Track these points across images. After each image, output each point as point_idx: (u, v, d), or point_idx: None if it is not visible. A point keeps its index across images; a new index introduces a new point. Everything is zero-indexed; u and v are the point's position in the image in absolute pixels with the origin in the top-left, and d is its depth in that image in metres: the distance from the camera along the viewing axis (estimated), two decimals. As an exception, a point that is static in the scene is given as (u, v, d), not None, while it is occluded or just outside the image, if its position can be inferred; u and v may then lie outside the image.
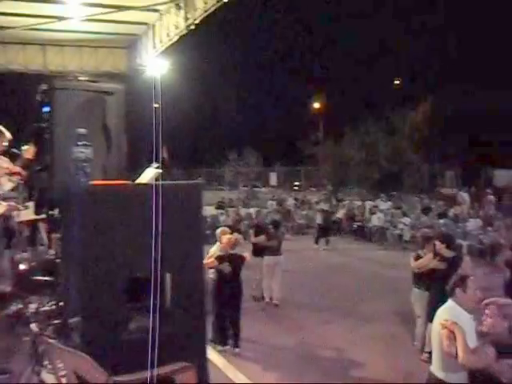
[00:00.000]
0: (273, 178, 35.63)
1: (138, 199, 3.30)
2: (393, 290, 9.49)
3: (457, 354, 3.16)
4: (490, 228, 13.43)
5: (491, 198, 17.28)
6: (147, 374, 3.04)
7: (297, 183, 34.91)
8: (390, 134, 28.01)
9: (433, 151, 27.86)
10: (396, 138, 27.75)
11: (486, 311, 3.39)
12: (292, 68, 47.50)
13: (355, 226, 16.79)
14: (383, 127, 28.27)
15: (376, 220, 15.89)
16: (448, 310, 3.60)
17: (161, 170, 3.95)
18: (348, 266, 11.96)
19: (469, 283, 3.60)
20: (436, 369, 3.55)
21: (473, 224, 13.97)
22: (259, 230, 9.26)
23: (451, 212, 16.04)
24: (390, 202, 18.27)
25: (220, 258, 6.40)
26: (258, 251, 8.80)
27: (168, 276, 3.18)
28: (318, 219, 15.26)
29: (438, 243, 6.04)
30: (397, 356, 6.23)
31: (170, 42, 9.91)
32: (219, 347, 6.23)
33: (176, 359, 3.06)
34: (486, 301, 3.50)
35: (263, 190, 30.84)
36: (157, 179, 3.87)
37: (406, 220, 15.58)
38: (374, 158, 27.10)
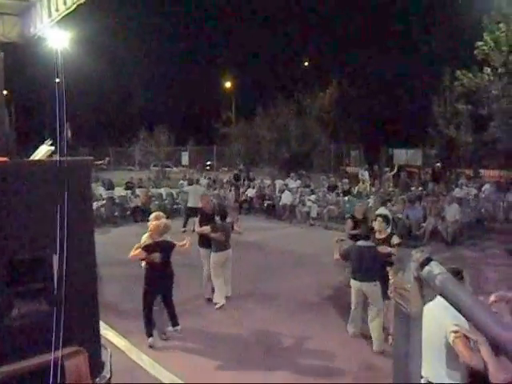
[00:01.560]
0: (184, 158, 35.19)
1: (19, 177, 3.03)
2: (301, 264, 9.83)
3: (485, 368, 2.80)
4: (389, 204, 14.27)
5: (390, 175, 18.41)
6: (35, 360, 2.86)
7: (209, 163, 34.79)
8: (300, 115, 28.77)
9: (339, 132, 29.09)
10: (305, 119, 28.55)
11: (494, 309, 3.02)
12: (203, 45, 46.82)
13: (266, 204, 17.05)
14: (293, 108, 28.95)
15: (286, 198, 16.25)
16: (449, 311, 2.92)
17: (53, 148, 3.67)
18: (259, 244, 12.12)
19: (465, 276, 3.36)
20: (433, 375, 3.11)
21: (373, 200, 14.73)
22: (205, 218, 7.90)
23: (355, 189, 16.87)
24: (299, 181, 18.75)
25: (148, 248, 5.94)
26: (205, 242, 7.65)
27: (55, 258, 2.97)
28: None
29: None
30: (327, 331, 6.43)
31: (68, 11, 9.19)
32: (149, 340, 5.87)
33: (66, 344, 2.88)
34: (494, 297, 3.14)
35: (175, 169, 30.38)
36: (50, 156, 3.60)
37: (314, 198, 16.11)
38: (284, 138, 27.71)
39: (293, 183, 18.23)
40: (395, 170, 19.53)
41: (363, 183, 17.83)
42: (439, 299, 3.13)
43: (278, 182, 18.54)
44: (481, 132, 19.54)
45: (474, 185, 17.07)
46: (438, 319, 3.18)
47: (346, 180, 17.62)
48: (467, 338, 2.97)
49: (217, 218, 7.60)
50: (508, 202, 14.86)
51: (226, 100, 37.52)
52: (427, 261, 1.29)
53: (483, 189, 16.39)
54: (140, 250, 5.93)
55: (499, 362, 2.74)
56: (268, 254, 11.11)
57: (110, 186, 17.57)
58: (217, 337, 6.16)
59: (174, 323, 6.25)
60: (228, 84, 39.79)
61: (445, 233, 12.19)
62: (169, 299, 6.20)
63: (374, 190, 16.79)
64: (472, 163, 23.03)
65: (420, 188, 16.51)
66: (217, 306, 7.24)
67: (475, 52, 16.34)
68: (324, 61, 36.91)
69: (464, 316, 1.20)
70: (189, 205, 14.09)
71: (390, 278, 5.21)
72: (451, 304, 1.26)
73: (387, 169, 19.65)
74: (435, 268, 1.28)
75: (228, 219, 7.77)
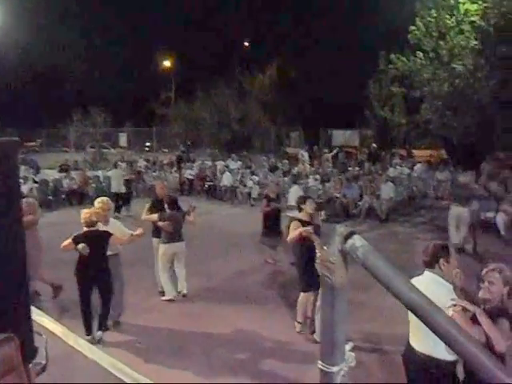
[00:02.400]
0: (122, 139, 34.21)
1: None
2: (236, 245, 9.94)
3: (487, 340, 2.86)
4: (327, 184, 14.68)
5: (328, 156, 18.90)
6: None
7: (148, 144, 34.05)
8: (241, 96, 28.70)
9: (279, 113, 29.32)
10: (246, 100, 28.53)
11: (490, 278, 3.16)
12: (142, 23, 45.30)
13: (207, 185, 17.02)
14: (234, 90, 28.81)
15: (226, 179, 16.30)
16: (443, 287, 3.29)
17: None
18: (203, 226, 12.08)
19: (451, 251, 3.44)
20: (430, 350, 3.23)
21: (312, 180, 15.11)
22: (156, 205, 7.13)
23: (295, 170, 17.18)
24: (240, 162, 18.84)
25: (76, 239, 5.49)
26: (158, 231, 7.04)
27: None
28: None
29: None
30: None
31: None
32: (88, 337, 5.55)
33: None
34: (491, 266, 3.24)
35: (113, 151, 29.46)
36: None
37: (255, 178, 16.26)
38: (225, 119, 27.58)
39: (234, 164, 18.30)
40: (334, 152, 20.06)
41: (303, 164, 18.20)
42: (428, 273, 3.42)
43: (219, 163, 18.54)
44: (413, 114, 20.38)
45: (407, 164, 17.88)
46: (433, 294, 3.15)
47: (287, 161, 17.91)
48: (465, 311, 3.01)
49: (165, 207, 6.94)
50: (438, 180, 15.72)
51: (165, 80, 36.69)
52: (350, 234, 1.36)
53: (415, 168, 17.23)
54: (70, 240, 5.53)
55: (499, 331, 2.86)
56: (215, 235, 11.12)
57: (36, 168, 16.86)
58: (161, 332, 6.08)
59: (100, 327, 5.71)
60: (167, 63, 38.87)
61: (379, 210, 12.73)
62: (105, 298, 5.70)
63: (313, 170, 17.16)
64: (405, 144, 24.06)
65: (357, 168, 17.09)
66: (163, 298, 6.91)
67: (408, 36, 16.92)
68: (264, 42, 36.87)
69: (383, 284, 1.28)
70: (112, 190, 13.74)
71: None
72: (371, 274, 1.34)
73: (326, 150, 20.14)
74: (357, 241, 1.35)
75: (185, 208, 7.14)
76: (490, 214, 10.80)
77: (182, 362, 5.19)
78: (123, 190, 13.72)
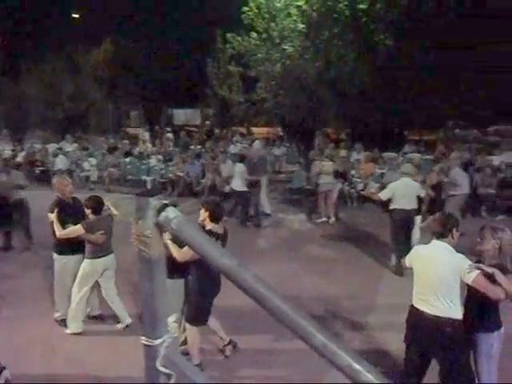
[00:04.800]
0: None
1: None
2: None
3: (506, 295, 3.34)
4: (169, 163, 14.59)
5: (170, 135, 18.74)
6: None
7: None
8: (73, 73, 26.64)
9: (117, 91, 28.04)
10: (79, 77, 26.59)
11: (485, 233, 3.64)
12: None
13: (38, 170, 15.57)
14: (65, 65, 26.60)
15: (61, 163, 15.06)
16: (455, 254, 3.64)
17: None
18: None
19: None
20: (444, 311, 3.55)
21: (154, 160, 14.88)
22: (67, 212, 5.50)
23: (136, 150, 16.70)
24: (75, 144, 17.61)
25: None
26: (65, 245, 5.41)
27: None
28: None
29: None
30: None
31: None
32: None
33: None
34: (489, 224, 3.82)
35: None
36: None
37: (93, 161, 15.38)
38: (56, 97, 25.37)
39: (68, 146, 17.05)
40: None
41: (144, 144, 17.77)
42: (438, 243, 3.72)
43: (52, 146, 17.09)
44: (250, 92, 21.23)
45: (247, 141, 18.64)
46: (447, 260, 3.60)
47: (127, 141, 17.32)
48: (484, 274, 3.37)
49: (87, 212, 5.36)
50: (275, 155, 16.72)
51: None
52: (164, 207, 1.35)
53: (253, 145, 18.03)
54: None
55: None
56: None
57: None
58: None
59: None
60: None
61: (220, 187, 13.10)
62: None
63: (155, 149, 16.88)
64: (244, 121, 25.04)
65: (199, 146, 17.26)
66: (67, 331, 5.37)
67: (242, 16, 17.41)
68: (96, 14, 34.49)
69: (197, 252, 1.31)
70: None
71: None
72: (187, 243, 1.37)
73: (168, 128, 19.93)
74: (171, 213, 1.35)
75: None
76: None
77: None
78: None
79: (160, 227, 1.37)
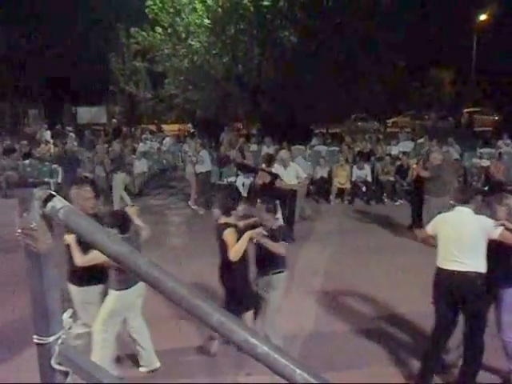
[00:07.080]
0: None
1: None
2: None
3: None
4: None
5: (72, 134, 17.80)
6: None
7: None
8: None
9: (14, 89, 26.12)
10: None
11: (493, 205, 4.21)
12: None
13: None
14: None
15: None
16: (480, 217, 4.09)
17: None
18: None
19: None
20: (473, 266, 3.88)
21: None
22: None
23: (37, 151, 15.66)
24: (-33, 146, 16.14)
25: None
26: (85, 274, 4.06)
27: None
28: None
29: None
30: None
31: None
32: None
33: None
34: (498, 196, 4.30)
35: None
36: None
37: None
38: None
39: (-42, 149, 15.58)
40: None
41: (46, 144, 16.71)
42: (463, 208, 4.15)
43: None
44: (158, 89, 20.81)
45: (157, 139, 18.30)
46: (474, 223, 4.02)
47: (25, 142, 16.19)
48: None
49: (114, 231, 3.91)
50: (185, 152, 16.55)
51: None
52: (50, 197, 1.29)
53: (164, 142, 17.77)
54: None
55: None
56: None
57: None
58: None
59: None
60: None
61: (132, 186, 12.75)
62: None
63: (57, 150, 15.94)
64: (154, 119, 24.53)
65: (106, 145, 16.59)
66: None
67: (146, 11, 16.97)
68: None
69: (88, 240, 1.27)
70: None
71: None
72: (76, 233, 1.31)
73: (69, 128, 18.96)
74: (58, 203, 1.29)
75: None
76: (231, 179, 12.07)
77: None
78: None
79: (47, 219, 1.30)
